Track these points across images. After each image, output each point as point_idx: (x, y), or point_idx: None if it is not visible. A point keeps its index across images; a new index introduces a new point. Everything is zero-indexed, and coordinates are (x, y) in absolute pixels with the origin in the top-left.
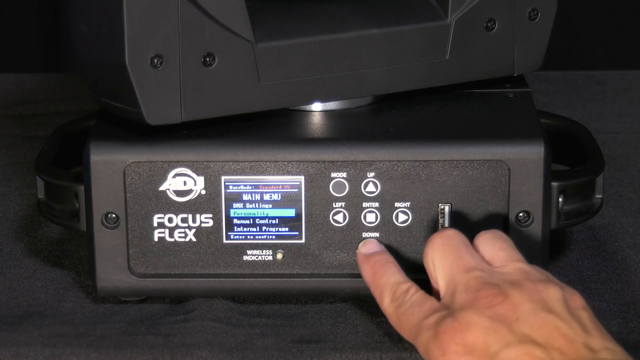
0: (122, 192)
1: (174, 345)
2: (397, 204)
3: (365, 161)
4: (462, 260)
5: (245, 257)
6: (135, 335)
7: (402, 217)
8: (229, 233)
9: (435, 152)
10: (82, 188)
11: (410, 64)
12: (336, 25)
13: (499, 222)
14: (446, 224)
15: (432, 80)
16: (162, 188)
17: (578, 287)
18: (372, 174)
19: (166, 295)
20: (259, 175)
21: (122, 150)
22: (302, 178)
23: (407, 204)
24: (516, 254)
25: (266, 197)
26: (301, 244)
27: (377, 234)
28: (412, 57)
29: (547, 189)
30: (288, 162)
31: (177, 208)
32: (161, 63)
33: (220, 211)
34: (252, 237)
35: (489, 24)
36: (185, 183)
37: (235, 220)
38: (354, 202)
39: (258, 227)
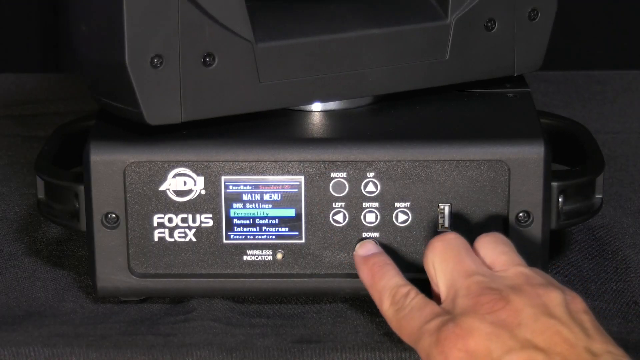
0: (122, 192)
1: (174, 345)
2: (397, 204)
3: (365, 161)
4: (463, 265)
5: (245, 257)
6: (135, 335)
7: (402, 217)
8: (229, 233)
9: (435, 152)
10: (82, 188)
11: (410, 64)
12: (336, 25)
13: (499, 222)
14: (446, 224)
15: (432, 80)
16: (162, 188)
17: (578, 287)
18: (372, 174)
19: (166, 295)
20: (259, 175)
21: (122, 150)
22: (302, 178)
23: (407, 204)
24: (517, 258)
25: (266, 197)
26: (301, 244)
27: (377, 234)
28: (412, 57)
29: (547, 189)
30: (288, 162)
31: (177, 208)
32: (161, 63)
33: (220, 211)
34: (252, 237)
35: (489, 24)
36: (185, 183)
37: (235, 220)
38: (354, 202)
39: (258, 227)
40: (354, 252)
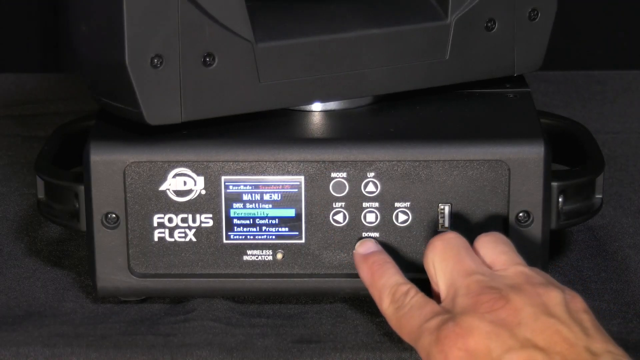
0: (122, 192)
1: (174, 345)
2: (397, 204)
3: (365, 161)
4: (462, 264)
5: (245, 257)
6: (135, 335)
7: (402, 217)
8: (229, 233)
9: (435, 152)
10: (82, 188)
11: (410, 64)
12: (336, 25)
13: (499, 222)
14: (446, 224)
15: (432, 80)
16: (162, 188)
17: (578, 287)
18: (372, 174)
19: (166, 295)
20: (259, 175)
21: (122, 150)
22: (302, 178)
23: (407, 204)
24: (517, 257)
25: (266, 197)
26: (301, 244)
27: (377, 234)
28: (412, 57)
29: (547, 189)
30: (288, 162)
31: (177, 208)
32: (161, 63)
33: (220, 211)
34: (252, 237)
35: (489, 24)
36: (185, 183)
37: (235, 220)
38: (354, 202)
39: (258, 227)
40: (354, 251)
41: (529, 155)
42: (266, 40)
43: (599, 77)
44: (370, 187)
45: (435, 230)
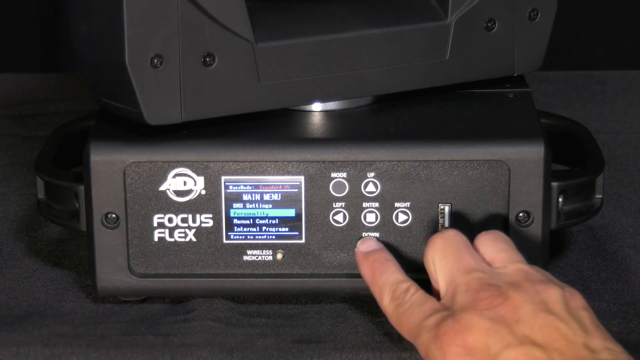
0: (122, 192)
1: (174, 345)
2: (397, 204)
3: (365, 161)
4: (462, 261)
5: (245, 257)
6: (135, 335)
7: (402, 217)
8: (229, 233)
9: (435, 152)
10: (82, 188)
11: (410, 64)
12: (336, 25)
13: (499, 222)
14: (446, 224)
15: (432, 80)
16: (162, 188)
17: (578, 287)
18: (372, 174)
19: (166, 295)
20: (259, 175)
21: (122, 150)
22: (302, 178)
23: (407, 204)
24: (516, 255)
25: (266, 197)
26: (301, 244)
27: (377, 234)
28: (412, 57)
29: (547, 189)
30: (288, 162)
31: (177, 208)
32: (161, 63)
33: (220, 211)
34: (252, 237)
35: (489, 24)
36: (185, 183)
37: (235, 220)
38: (354, 202)
39: (258, 227)
40: (356, 249)
41: (529, 155)
42: (266, 40)
43: (599, 77)
44: (370, 187)
45: (435, 230)
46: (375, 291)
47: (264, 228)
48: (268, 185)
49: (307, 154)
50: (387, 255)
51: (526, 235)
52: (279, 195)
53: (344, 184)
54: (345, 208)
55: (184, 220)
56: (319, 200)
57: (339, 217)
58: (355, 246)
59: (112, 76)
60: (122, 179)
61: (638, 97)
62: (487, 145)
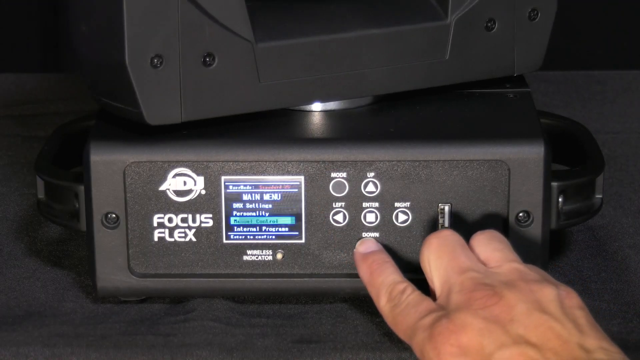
0: (122, 192)
1: (174, 345)
2: (397, 204)
3: (365, 161)
4: (457, 261)
5: (245, 257)
6: (135, 335)
7: (402, 217)
8: (229, 233)
9: (435, 152)
10: (82, 188)
11: (410, 64)
12: (336, 25)
13: (499, 222)
14: (446, 224)
15: (432, 80)
16: (162, 188)
17: (578, 287)
18: (372, 174)
19: (166, 295)
20: (259, 175)
21: (122, 150)
22: (302, 178)
23: (407, 204)
24: (511, 254)
25: (266, 197)
26: (301, 244)
27: (377, 234)
28: (412, 57)
29: (547, 189)
30: (288, 162)
31: (177, 208)
32: (161, 63)
33: (220, 211)
34: (252, 237)
35: (489, 24)
36: (185, 183)
37: (235, 220)
38: (354, 202)
39: (258, 227)
40: (354, 250)
41: (529, 155)
42: (266, 40)
43: (599, 77)
44: (370, 187)
45: (435, 230)
46: (373, 292)
47: (263, 228)
48: (268, 185)
49: (307, 154)
50: (385, 257)
51: (526, 235)
52: (279, 195)
53: (344, 184)
54: (345, 208)
55: (184, 220)
56: (319, 200)
57: (339, 217)
58: (355, 246)
59: (112, 76)
60: (122, 179)
61: (638, 97)
62: (487, 145)
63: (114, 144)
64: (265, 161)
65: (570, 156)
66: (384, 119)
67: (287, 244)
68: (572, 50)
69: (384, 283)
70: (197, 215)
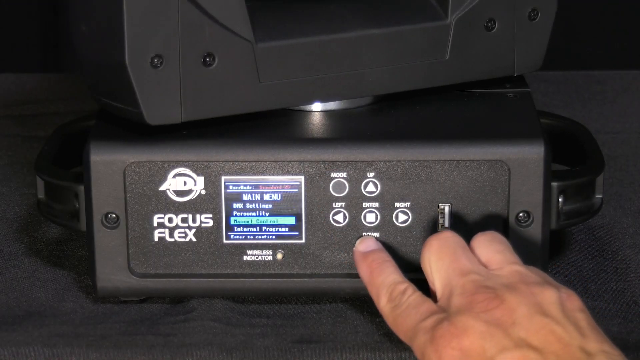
0: (122, 192)
1: (174, 345)
2: (397, 204)
3: (365, 161)
4: (458, 263)
5: (245, 257)
6: (135, 335)
7: (402, 217)
8: (229, 233)
9: (435, 152)
10: (82, 188)
11: (410, 64)
12: (336, 25)
13: (499, 222)
14: (446, 224)
15: (432, 80)
16: (162, 188)
17: (578, 287)
18: (372, 174)
19: (166, 295)
20: (259, 175)
21: (122, 150)
22: (302, 178)
23: (407, 204)
24: (512, 256)
25: (266, 197)
26: (301, 244)
27: (377, 234)
28: (412, 57)
29: (547, 189)
30: (288, 162)
31: (177, 208)
32: (161, 63)
33: (220, 211)
34: (252, 237)
35: (489, 24)
36: (185, 183)
37: (235, 220)
38: (354, 202)
39: (258, 227)
40: (354, 248)
41: (529, 155)
42: (266, 40)
43: (599, 77)
44: (370, 187)
45: (435, 230)
46: (373, 292)
47: (264, 228)
48: (268, 185)
49: (307, 154)
50: (386, 256)
51: (526, 235)
52: (279, 195)
53: (344, 184)
54: (345, 208)
55: (184, 220)
56: (319, 200)
57: (339, 217)
58: (355, 245)
59: (112, 76)
60: (122, 179)
61: (638, 97)
62: (487, 145)
63: (114, 144)
64: (266, 161)
65: (570, 156)
66: (384, 119)
67: (287, 244)
68: (572, 50)
69: (384, 283)
70: (197, 215)
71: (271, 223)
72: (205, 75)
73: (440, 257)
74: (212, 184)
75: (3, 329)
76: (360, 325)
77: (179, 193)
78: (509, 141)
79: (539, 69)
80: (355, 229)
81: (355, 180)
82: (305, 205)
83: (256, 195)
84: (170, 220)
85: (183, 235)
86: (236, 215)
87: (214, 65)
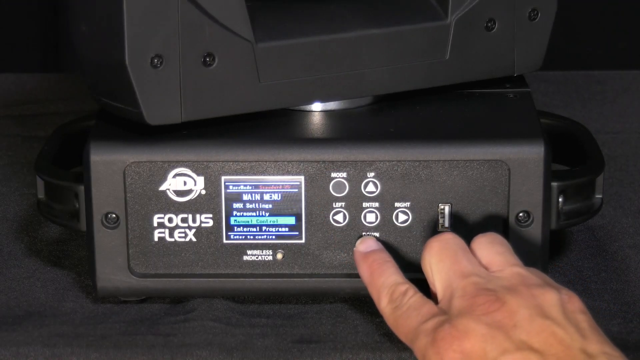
0: (122, 192)
1: (174, 345)
2: (397, 204)
3: (365, 161)
4: (459, 265)
5: (245, 257)
6: (135, 335)
7: (402, 217)
8: (229, 233)
9: (435, 152)
10: (82, 188)
11: (410, 64)
12: (336, 25)
13: (499, 222)
14: (446, 224)
15: (432, 80)
16: (162, 188)
17: (578, 287)
18: (372, 174)
19: (166, 295)
20: (259, 175)
21: (122, 150)
22: (302, 178)
23: (407, 204)
24: (513, 258)
25: (266, 197)
26: (301, 244)
27: (377, 234)
28: (412, 57)
29: (547, 189)
30: (288, 162)
31: (177, 208)
32: (161, 63)
33: (220, 211)
34: (252, 237)
35: (489, 24)
36: (185, 183)
37: (235, 220)
38: (354, 202)
39: (258, 227)
40: (354, 248)
41: (529, 155)
42: (266, 40)
43: (599, 77)
44: (370, 187)
45: (435, 230)
46: (373, 292)
47: (263, 228)
48: (268, 185)
49: (307, 154)
50: (386, 256)
51: (526, 235)
52: (279, 195)
53: (344, 184)
54: (345, 208)
55: (184, 220)
56: (319, 200)
57: (339, 217)
58: (355, 246)
59: (112, 76)
60: (122, 179)
61: (638, 97)
62: (487, 145)
63: (114, 144)
64: (265, 161)
65: (570, 156)
66: (384, 119)
67: (287, 244)
68: (572, 50)
69: (385, 284)
70: (197, 215)
71: (271, 223)
72: (205, 75)
73: (441, 259)
74: (212, 184)
75: (3, 329)
76: (360, 325)
77: (179, 193)
78: (509, 141)
79: (539, 69)
80: (355, 229)
81: (355, 180)
82: (305, 205)
83: (256, 195)
84: (170, 220)
85: (183, 235)
86: (236, 215)
87: (214, 65)
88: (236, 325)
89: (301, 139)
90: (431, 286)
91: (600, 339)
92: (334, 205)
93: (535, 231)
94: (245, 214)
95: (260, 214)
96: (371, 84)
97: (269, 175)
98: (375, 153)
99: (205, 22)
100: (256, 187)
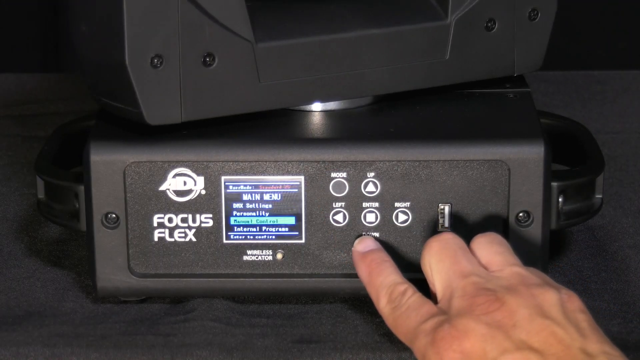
0: (122, 192)
1: (174, 345)
2: (397, 204)
3: (365, 161)
4: (459, 265)
5: (245, 257)
6: (135, 335)
7: (402, 217)
8: (229, 233)
9: (435, 152)
10: (82, 188)
11: (410, 64)
12: (336, 25)
13: (499, 222)
14: (446, 224)
15: (432, 80)
16: (162, 188)
17: (578, 287)
18: (372, 174)
19: (166, 295)
20: (259, 175)
21: (122, 150)
22: (302, 178)
23: (407, 204)
24: (512, 258)
25: (266, 197)
26: (301, 244)
27: (377, 234)
28: (412, 57)
29: (547, 189)
30: (288, 162)
31: (177, 208)
32: (161, 63)
33: (220, 211)
34: (252, 237)
35: (489, 24)
36: (185, 183)
37: (235, 220)
38: (354, 202)
39: (258, 227)
40: (353, 248)
41: (529, 155)
42: (266, 40)
43: (599, 77)
44: (370, 187)
45: (435, 230)
46: (372, 292)
47: (263, 228)
48: (268, 185)
49: (307, 154)
50: (385, 256)
51: (526, 235)
52: (279, 195)
53: (344, 184)
54: (345, 208)
55: (184, 220)
56: (319, 200)
57: (339, 217)
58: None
59: (112, 76)
60: (122, 179)
61: (638, 97)
62: (487, 145)
63: (114, 144)
64: (265, 161)
65: (570, 156)
66: (384, 119)
67: (287, 244)
68: (572, 50)
69: (384, 284)
70: (197, 215)
71: (271, 223)
72: (205, 75)
73: (441, 259)
74: (212, 184)
75: (3, 329)
76: (360, 325)
77: (179, 193)
78: (509, 141)
79: (539, 69)
80: (355, 229)
81: (355, 180)
82: (305, 205)
83: (256, 195)
84: (170, 220)
85: (183, 235)
86: (236, 215)
87: (214, 65)
88: (236, 325)
89: (301, 139)
90: (431, 286)
91: (600, 339)
92: (334, 205)
93: (535, 231)
94: (245, 214)
95: (260, 214)
96: (371, 84)
97: (269, 175)
98: (375, 153)
99: (205, 22)
100: (256, 187)
